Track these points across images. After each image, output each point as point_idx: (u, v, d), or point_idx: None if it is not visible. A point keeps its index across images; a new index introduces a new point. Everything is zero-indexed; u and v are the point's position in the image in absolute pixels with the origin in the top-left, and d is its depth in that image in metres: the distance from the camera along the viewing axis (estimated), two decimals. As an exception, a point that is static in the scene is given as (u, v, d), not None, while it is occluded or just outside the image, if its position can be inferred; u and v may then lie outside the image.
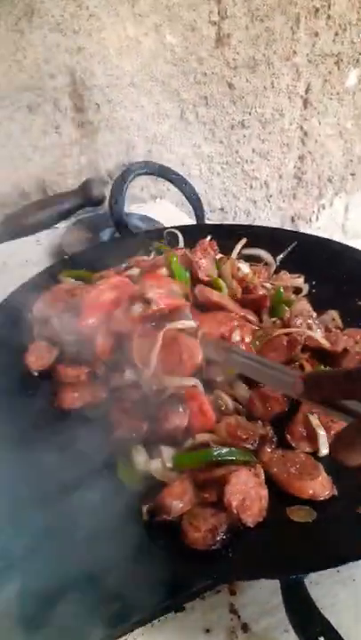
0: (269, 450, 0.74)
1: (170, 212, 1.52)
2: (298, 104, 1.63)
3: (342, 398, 0.55)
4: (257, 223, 1.82)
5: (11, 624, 0.61)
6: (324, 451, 0.74)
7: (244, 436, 0.73)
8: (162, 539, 0.64)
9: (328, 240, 1.22)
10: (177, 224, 1.42)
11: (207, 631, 0.62)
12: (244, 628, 0.62)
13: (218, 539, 0.61)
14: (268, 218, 1.84)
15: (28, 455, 0.71)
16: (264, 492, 0.67)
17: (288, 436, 0.76)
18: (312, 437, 0.75)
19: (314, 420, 0.76)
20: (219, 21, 1.37)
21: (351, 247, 1.20)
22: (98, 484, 0.71)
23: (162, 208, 1.55)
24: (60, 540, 0.64)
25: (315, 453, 0.74)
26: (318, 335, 0.89)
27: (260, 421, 0.77)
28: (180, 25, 1.33)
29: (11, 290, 1.05)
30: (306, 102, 1.63)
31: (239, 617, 0.63)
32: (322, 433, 0.75)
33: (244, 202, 1.75)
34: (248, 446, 0.72)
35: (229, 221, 1.77)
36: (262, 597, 0.64)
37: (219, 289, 0.99)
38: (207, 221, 1.69)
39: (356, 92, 1.67)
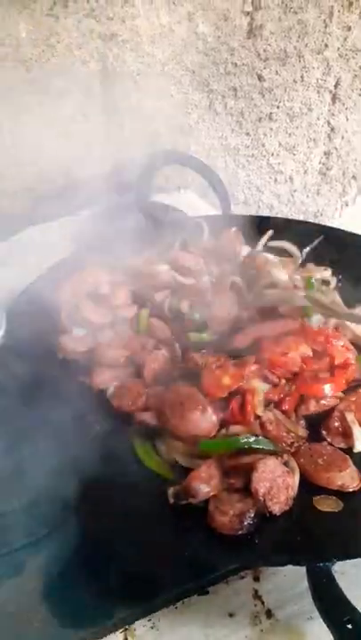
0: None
1: (194, 202, 1.52)
2: (326, 99, 1.61)
3: None
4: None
5: (38, 599, 0.62)
6: (359, 446, 0.74)
7: (286, 438, 0.73)
8: (187, 522, 0.64)
9: (354, 234, 1.21)
10: (200, 214, 1.43)
11: (231, 615, 0.62)
12: (268, 613, 0.62)
13: (245, 523, 0.61)
14: (292, 213, 1.83)
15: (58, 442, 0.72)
16: (292, 481, 0.67)
17: (324, 432, 0.76)
18: (347, 433, 0.75)
19: (349, 416, 0.76)
20: (252, 12, 1.36)
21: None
22: (121, 465, 0.72)
23: (186, 198, 1.54)
24: (87, 518, 0.65)
25: (348, 449, 0.74)
26: (354, 326, 0.89)
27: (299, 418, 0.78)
28: (214, 14, 1.32)
29: (35, 275, 1.05)
30: (335, 97, 1.62)
31: (263, 603, 0.63)
32: (358, 428, 0.75)
33: (268, 195, 1.74)
34: (288, 448, 0.72)
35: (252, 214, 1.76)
36: (286, 585, 0.64)
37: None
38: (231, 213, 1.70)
39: (385, 89, 1.66)
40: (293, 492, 0.66)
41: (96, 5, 1.20)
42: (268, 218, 1.30)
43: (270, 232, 1.22)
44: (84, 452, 0.72)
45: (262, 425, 0.73)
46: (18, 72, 1.22)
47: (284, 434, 0.73)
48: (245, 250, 1.17)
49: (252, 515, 0.62)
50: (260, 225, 1.24)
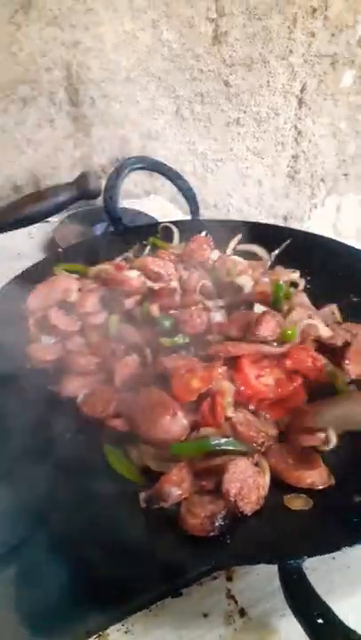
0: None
1: (164, 207, 1.53)
2: (293, 103, 1.64)
3: None
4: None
5: (10, 610, 0.61)
6: (333, 443, 0.74)
7: (256, 437, 0.73)
8: (159, 526, 0.64)
9: (322, 237, 1.23)
10: (170, 219, 1.43)
11: (205, 615, 0.62)
12: (241, 612, 0.62)
13: (216, 525, 0.62)
14: (261, 216, 1.85)
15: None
16: (263, 481, 0.67)
17: (293, 432, 0.77)
18: (315, 432, 0.76)
19: None
20: (216, 19, 1.38)
21: (345, 244, 1.21)
22: (92, 473, 0.72)
23: (156, 204, 1.55)
24: (58, 526, 0.64)
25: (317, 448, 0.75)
26: (321, 327, 0.90)
27: (267, 416, 0.78)
28: (178, 21, 1.34)
29: (3, 283, 1.04)
30: (301, 102, 1.65)
31: (236, 602, 0.63)
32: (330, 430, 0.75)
33: (237, 199, 1.76)
34: (258, 447, 0.73)
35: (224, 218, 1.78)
36: (258, 584, 0.65)
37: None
38: (201, 218, 1.71)
39: (350, 93, 1.69)
40: (264, 491, 0.67)
41: (59, 13, 1.21)
42: (237, 222, 1.31)
43: (239, 236, 1.24)
44: (55, 461, 0.72)
45: (233, 426, 0.73)
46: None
47: (255, 434, 0.73)
48: (215, 254, 1.18)
49: (223, 515, 0.62)
50: (229, 229, 1.25)
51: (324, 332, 0.89)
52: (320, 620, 0.53)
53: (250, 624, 0.61)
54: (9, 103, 1.26)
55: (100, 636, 0.60)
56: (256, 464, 0.70)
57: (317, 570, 0.63)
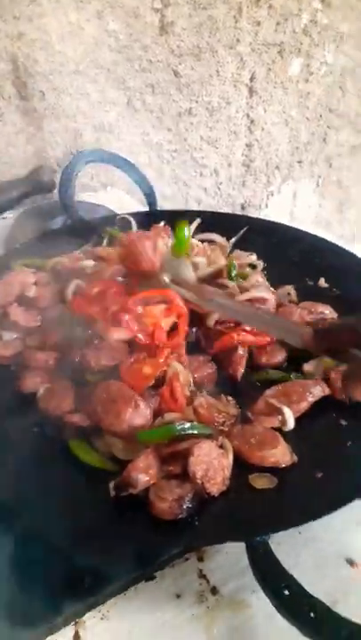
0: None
1: (121, 199, 1.52)
2: (243, 92, 1.65)
3: (347, 347, 0.59)
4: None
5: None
6: (291, 425, 0.77)
7: (218, 418, 0.76)
8: (130, 512, 0.65)
9: (279, 224, 1.26)
10: (129, 211, 1.43)
11: (178, 596, 0.63)
12: (213, 591, 0.64)
13: (184, 507, 0.63)
14: (219, 205, 1.86)
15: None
16: (227, 462, 0.69)
17: (250, 414, 0.79)
18: (274, 414, 0.78)
19: (275, 402, 0.79)
20: (162, 9, 1.37)
21: (301, 230, 1.24)
22: (60, 465, 0.72)
23: (113, 196, 1.55)
24: (30, 518, 0.64)
25: (279, 429, 0.77)
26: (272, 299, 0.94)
27: (229, 398, 0.81)
28: (123, 12, 1.33)
29: None
30: (251, 91, 1.66)
31: (208, 581, 0.65)
32: (287, 409, 0.78)
33: (195, 189, 1.77)
34: (221, 427, 0.74)
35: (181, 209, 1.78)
36: (229, 562, 0.66)
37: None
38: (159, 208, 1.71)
39: (299, 81, 1.72)
40: (228, 471, 0.69)
41: (0, 4, 1.18)
42: (195, 212, 1.32)
43: (197, 221, 1.25)
44: (22, 456, 0.72)
45: (195, 409, 0.75)
46: None
47: (216, 414, 0.75)
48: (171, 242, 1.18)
49: (191, 498, 0.64)
50: (187, 219, 1.25)
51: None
52: (286, 592, 0.55)
53: (222, 601, 0.63)
54: None
55: (76, 623, 0.61)
56: (220, 446, 0.72)
57: (283, 544, 0.65)
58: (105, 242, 1.18)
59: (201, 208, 1.82)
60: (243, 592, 0.63)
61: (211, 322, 0.90)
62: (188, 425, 0.71)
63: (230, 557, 0.66)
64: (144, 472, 0.66)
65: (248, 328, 0.89)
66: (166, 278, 0.84)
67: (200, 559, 0.67)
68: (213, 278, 1.04)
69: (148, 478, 0.66)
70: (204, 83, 1.56)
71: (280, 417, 0.78)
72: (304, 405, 0.79)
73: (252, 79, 1.65)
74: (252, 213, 1.97)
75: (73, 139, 1.44)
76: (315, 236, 1.22)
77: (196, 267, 1.04)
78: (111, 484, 0.67)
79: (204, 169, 1.74)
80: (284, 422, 0.77)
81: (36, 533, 0.64)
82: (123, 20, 1.34)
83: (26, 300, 0.97)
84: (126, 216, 1.25)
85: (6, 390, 0.83)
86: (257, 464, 0.71)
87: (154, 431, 0.71)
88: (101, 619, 0.61)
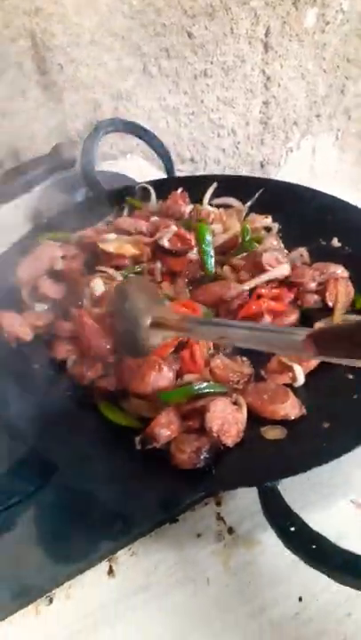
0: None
1: (141, 166, 1.56)
2: (258, 48, 1.63)
3: (352, 354, 0.57)
4: (227, 171, 1.86)
5: (35, 544, 0.71)
6: (300, 381, 0.84)
7: (233, 377, 0.83)
8: (154, 464, 0.74)
9: (293, 184, 1.27)
10: (148, 178, 1.47)
11: (198, 536, 0.72)
12: (230, 530, 0.73)
13: (201, 458, 0.71)
14: (238, 165, 1.87)
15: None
16: (240, 416, 0.76)
17: (263, 372, 0.86)
18: (285, 371, 0.85)
19: (286, 360, 0.85)
20: (173, -31, 1.37)
21: (315, 190, 1.26)
22: (92, 424, 0.81)
23: (133, 163, 1.58)
24: (67, 473, 0.74)
25: (290, 385, 0.84)
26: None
27: (244, 359, 0.87)
28: (134, -24, 1.33)
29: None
30: (266, 46, 1.64)
31: (225, 522, 0.73)
32: (297, 366, 0.84)
33: (213, 151, 1.78)
34: (236, 386, 0.82)
35: (200, 171, 1.80)
36: (243, 505, 0.75)
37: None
38: (178, 173, 1.74)
39: (315, 32, 1.68)
40: (243, 425, 0.76)
41: (16, -19, 1.20)
42: (211, 176, 1.34)
43: (214, 185, 1.28)
44: (58, 419, 0.81)
45: (211, 370, 0.82)
46: None
47: (231, 374, 0.82)
48: (190, 207, 1.22)
49: (207, 449, 0.71)
50: (204, 184, 1.29)
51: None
52: (292, 528, 0.63)
53: (237, 539, 0.72)
54: (-23, 78, 1.27)
55: (110, 559, 0.70)
56: (235, 402, 0.79)
57: (289, 489, 0.72)
58: (125, 212, 1.23)
59: (220, 168, 1.84)
60: (255, 531, 0.71)
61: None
62: (204, 385, 0.78)
63: (244, 501, 0.74)
64: (166, 427, 0.74)
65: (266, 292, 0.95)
66: (147, 321, 0.77)
67: (218, 503, 0.75)
68: (229, 244, 1.09)
69: (169, 433, 0.74)
70: (219, 42, 1.55)
71: (291, 374, 0.84)
72: (313, 362, 0.86)
73: (266, 34, 1.62)
74: (272, 171, 1.98)
75: (92, 109, 1.47)
76: (330, 196, 1.23)
77: (212, 234, 1.09)
78: (137, 439, 0.75)
79: (222, 129, 1.74)
80: (294, 378, 0.84)
81: (75, 485, 0.73)
82: (135, -15, 1.34)
83: (54, 272, 1.04)
84: (146, 185, 1.29)
85: (42, 358, 0.92)
86: (269, 417, 0.78)
87: (174, 392, 0.79)
88: (131, 555, 0.71)
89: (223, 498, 0.76)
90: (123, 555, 0.71)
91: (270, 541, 0.69)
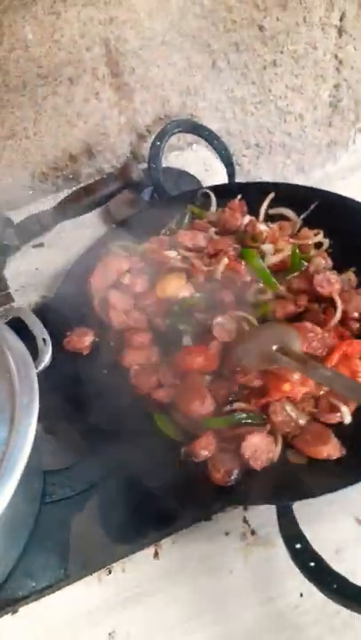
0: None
1: (206, 159, 1.62)
2: (332, 34, 1.60)
3: None
4: (293, 154, 1.89)
5: (98, 526, 0.92)
6: (348, 420, 0.93)
7: (285, 427, 0.93)
8: (196, 472, 0.91)
9: (350, 199, 1.30)
10: (211, 172, 1.56)
11: (226, 534, 0.90)
12: (252, 532, 0.90)
13: (232, 478, 0.87)
14: (305, 148, 1.89)
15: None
16: (273, 447, 0.90)
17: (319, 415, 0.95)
18: (335, 410, 0.94)
19: (335, 401, 0.94)
20: (246, -33, 1.36)
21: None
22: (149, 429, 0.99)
23: (198, 154, 1.64)
24: (125, 472, 0.93)
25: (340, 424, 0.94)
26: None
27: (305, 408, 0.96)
28: (208, -23, 1.35)
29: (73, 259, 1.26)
30: (341, 31, 1.60)
31: (249, 525, 0.91)
32: (344, 407, 0.93)
33: (278, 135, 1.81)
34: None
35: (265, 155, 1.84)
36: (266, 513, 0.90)
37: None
38: (242, 159, 1.80)
39: (393, 14, 1.62)
40: (274, 456, 0.89)
41: (92, -6, 1.27)
42: (269, 184, 1.40)
43: (272, 195, 1.35)
44: (124, 421, 0.99)
45: (268, 413, 0.93)
46: (30, 68, 1.33)
47: (286, 426, 0.92)
48: (247, 219, 1.31)
49: (238, 471, 0.87)
50: (261, 192, 1.36)
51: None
52: (298, 545, 0.79)
53: (258, 540, 0.89)
54: (57, 85, 1.37)
55: (156, 545, 0.90)
56: (270, 432, 0.92)
57: (307, 506, 0.88)
58: (187, 219, 1.34)
59: (285, 152, 1.86)
60: (272, 536, 0.88)
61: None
62: (245, 415, 0.93)
63: (267, 511, 0.89)
64: (205, 448, 0.90)
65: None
66: (274, 347, 0.93)
67: (245, 509, 0.92)
68: (280, 266, 1.18)
69: (207, 453, 0.90)
70: (290, 32, 1.54)
71: (339, 413, 0.94)
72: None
73: (341, 19, 1.59)
74: (340, 152, 1.98)
75: (161, 106, 1.54)
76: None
77: (262, 254, 1.19)
78: (182, 450, 0.93)
79: (289, 115, 1.76)
80: (342, 417, 0.93)
81: (131, 484, 0.93)
82: (207, -14, 1.36)
83: (121, 285, 1.18)
84: (207, 191, 1.38)
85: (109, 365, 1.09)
86: (311, 456, 0.89)
87: (216, 419, 0.93)
88: (173, 543, 0.90)
89: (250, 506, 0.93)
90: (166, 542, 0.90)
91: (283, 546, 0.85)
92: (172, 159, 1.60)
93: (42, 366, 0.85)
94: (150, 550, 0.90)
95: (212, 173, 1.52)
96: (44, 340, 0.88)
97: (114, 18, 1.32)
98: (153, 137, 1.41)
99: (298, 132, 1.83)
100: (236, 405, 0.96)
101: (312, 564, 0.76)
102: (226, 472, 0.88)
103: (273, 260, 1.17)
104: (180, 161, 1.61)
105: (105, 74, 1.41)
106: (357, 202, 1.31)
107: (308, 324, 1.01)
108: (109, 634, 0.82)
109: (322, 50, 1.63)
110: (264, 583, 0.85)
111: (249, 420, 0.93)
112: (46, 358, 0.86)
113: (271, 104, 1.70)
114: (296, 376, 0.95)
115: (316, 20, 1.55)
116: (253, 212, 1.34)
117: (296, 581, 0.83)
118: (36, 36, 1.27)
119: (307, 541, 0.79)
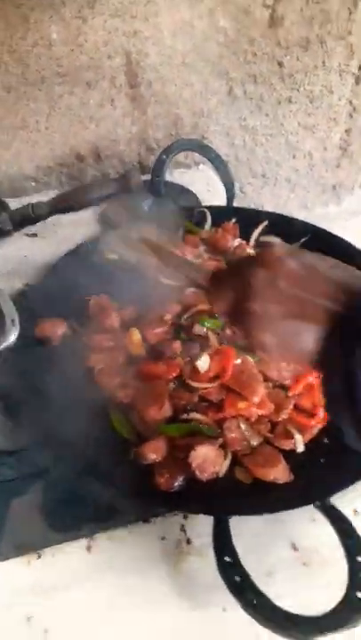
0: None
1: (209, 180, 1.65)
2: (349, 81, 1.66)
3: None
4: (297, 189, 1.93)
5: (38, 510, 0.92)
6: (300, 448, 0.94)
7: (236, 445, 0.93)
8: (142, 474, 0.91)
9: (342, 239, 1.34)
10: (213, 192, 1.59)
11: (162, 539, 0.90)
12: (188, 541, 0.90)
13: (175, 484, 0.87)
14: (310, 186, 1.93)
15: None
16: (221, 461, 0.90)
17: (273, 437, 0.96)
18: (290, 437, 0.94)
19: (292, 429, 0.95)
20: (273, 4, 1.42)
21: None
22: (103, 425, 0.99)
23: (203, 175, 1.68)
24: (70, 463, 0.93)
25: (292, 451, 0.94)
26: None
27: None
28: (234, 8, 1.40)
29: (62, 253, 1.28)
30: (358, 79, 1.66)
31: (186, 533, 0.91)
32: (298, 435, 0.94)
33: (286, 170, 1.85)
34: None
35: (270, 187, 1.89)
36: (204, 525, 0.90)
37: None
38: (248, 187, 1.84)
39: None
40: (221, 470, 0.89)
41: (120, 6, 1.32)
42: (267, 213, 1.43)
43: (264, 224, 1.38)
44: (77, 416, 0.99)
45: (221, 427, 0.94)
46: (50, 66, 1.38)
47: (238, 444, 0.92)
48: (237, 242, 1.34)
49: (182, 479, 0.88)
50: (257, 218, 1.39)
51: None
52: (227, 559, 0.79)
53: (192, 549, 0.89)
54: (74, 86, 1.42)
55: (91, 538, 0.90)
56: (221, 446, 0.93)
57: (246, 521, 0.88)
58: (180, 233, 1.37)
59: (290, 186, 1.91)
60: (207, 547, 0.87)
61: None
62: (199, 426, 0.93)
63: (206, 523, 0.89)
64: (153, 452, 0.90)
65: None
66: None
67: (185, 517, 0.93)
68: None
69: (155, 456, 0.90)
70: (308, 73, 1.60)
71: (293, 440, 0.94)
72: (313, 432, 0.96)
73: (360, 68, 1.64)
74: (344, 194, 2.02)
75: (173, 123, 1.58)
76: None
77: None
78: (132, 451, 0.93)
79: (298, 152, 1.81)
80: (295, 445, 0.94)
81: (73, 475, 0.93)
82: (233, 17, 1.42)
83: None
84: (204, 209, 1.42)
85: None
86: (257, 477, 0.89)
87: (171, 426, 0.93)
88: (107, 539, 0.90)
89: (190, 515, 0.93)
90: (101, 537, 0.90)
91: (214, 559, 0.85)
92: (176, 175, 1.64)
93: (4, 345, 0.86)
94: (84, 542, 0.90)
95: (214, 194, 1.56)
96: (12, 320, 0.90)
97: (138, 32, 1.37)
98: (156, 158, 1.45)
99: (305, 170, 1.87)
100: (193, 415, 0.96)
101: (238, 578, 0.76)
102: (171, 477, 0.88)
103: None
104: (184, 178, 1.64)
105: (122, 83, 1.46)
106: (346, 242, 1.34)
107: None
108: (28, 618, 0.82)
109: (337, 94, 1.68)
110: (190, 592, 0.85)
111: (202, 432, 0.93)
112: (11, 338, 0.88)
113: (282, 138, 1.74)
114: (257, 398, 0.96)
115: (335, 65, 1.60)
116: (246, 237, 1.37)
117: (221, 595, 0.82)
118: (60, 36, 1.32)
119: (236, 556, 0.79)
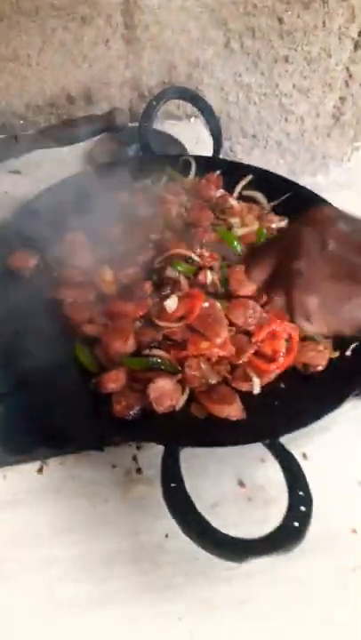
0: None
1: (199, 134, 1.64)
2: (348, 46, 1.64)
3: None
4: (287, 155, 1.92)
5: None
6: (256, 390, 0.97)
7: (198, 384, 0.95)
8: (100, 404, 0.93)
9: (321, 198, 1.34)
10: (202, 147, 1.58)
11: (113, 466, 0.92)
12: (138, 470, 0.92)
13: (131, 413, 0.89)
14: (299, 151, 1.92)
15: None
16: (178, 396, 0.92)
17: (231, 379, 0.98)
18: (249, 380, 0.97)
19: (250, 372, 0.98)
20: None
21: (342, 211, 1.32)
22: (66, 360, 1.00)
23: (193, 128, 1.67)
24: (31, 389, 0.94)
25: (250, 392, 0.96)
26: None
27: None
28: None
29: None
30: (357, 45, 1.65)
31: (137, 463, 0.93)
32: (256, 379, 0.97)
33: (277, 132, 1.84)
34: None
35: (260, 149, 1.88)
36: (156, 457, 0.91)
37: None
38: (238, 147, 1.83)
39: None
40: (177, 404, 0.91)
41: None
42: (253, 167, 1.43)
43: (248, 178, 1.38)
44: (42, 345, 1.00)
45: (182, 365, 0.96)
46: (44, -3, 1.35)
47: (196, 380, 0.95)
48: (220, 192, 1.34)
49: (138, 409, 0.90)
50: (243, 173, 1.39)
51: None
52: (172, 484, 0.81)
53: (141, 479, 0.91)
54: (69, 21, 1.39)
55: (43, 462, 0.92)
56: (179, 382, 0.95)
57: (199, 455, 0.90)
58: (163, 180, 1.36)
59: (280, 151, 1.90)
60: (156, 478, 0.88)
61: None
62: (160, 361, 0.95)
63: (157, 453, 0.92)
64: (113, 382, 0.92)
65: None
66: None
67: (138, 447, 0.95)
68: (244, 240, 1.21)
69: (114, 386, 0.92)
70: (308, 32, 1.58)
71: (250, 383, 0.96)
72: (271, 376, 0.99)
73: (360, 33, 1.63)
74: (333, 165, 2.02)
75: (167, 71, 1.56)
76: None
77: (230, 227, 1.22)
78: (92, 381, 0.95)
79: (290, 115, 1.79)
80: (252, 387, 0.96)
81: (33, 400, 0.94)
82: None
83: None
84: (189, 158, 1.40)
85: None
86: (212, 413, 0.91)
87: (133, 359, 0.95)
88: (59, 464, 0.92)
89: (144, 445, 0.95)
90: (54, 462, 0.92)
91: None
92: (167, 126, 1.62)
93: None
94: (36, 465, 0.92)
95: (201, 147, 1.55)
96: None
97: (138, -33, 1.34)
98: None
99: (296, 135, 1.86)
100: (155, 352, 0.98)
101: (181, 503, 0.79)
102: (127, 406, 0.90)
103: (239, 232, 1.21)
104: (174, 130, 1.62)
105: (119, 23, 1.43)
106: (329, 203, 1.34)
107: (251, 302, 1.05)
108: (-30, 532, 0.84)
109: (335, 59, 1.67)
110: (135, 518, 0.87)
111: (162, 367, 0.95)
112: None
113: (276, 99, 1.73)
114: (219, 340, 0.98)
115: (336, 27, 1.59)
116: (229, 190, 1.37)
117: (165, 523, 0.85)
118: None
119: (183, 483, 0.80)
